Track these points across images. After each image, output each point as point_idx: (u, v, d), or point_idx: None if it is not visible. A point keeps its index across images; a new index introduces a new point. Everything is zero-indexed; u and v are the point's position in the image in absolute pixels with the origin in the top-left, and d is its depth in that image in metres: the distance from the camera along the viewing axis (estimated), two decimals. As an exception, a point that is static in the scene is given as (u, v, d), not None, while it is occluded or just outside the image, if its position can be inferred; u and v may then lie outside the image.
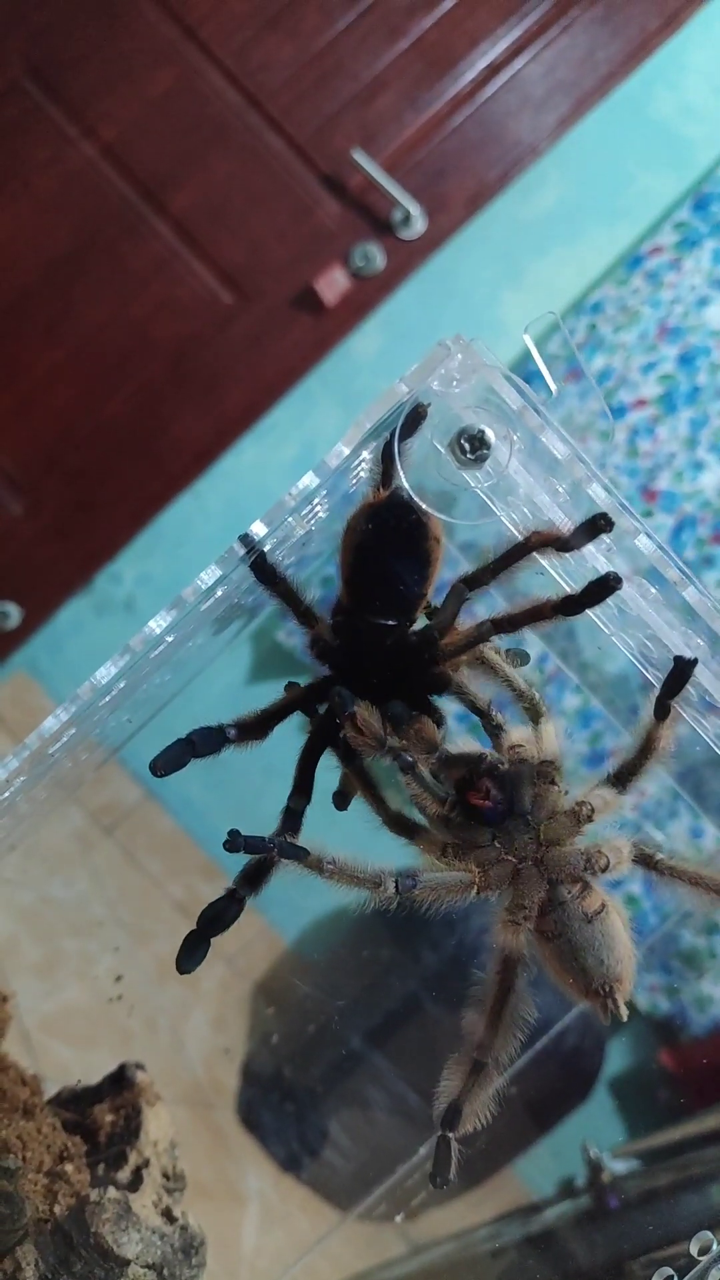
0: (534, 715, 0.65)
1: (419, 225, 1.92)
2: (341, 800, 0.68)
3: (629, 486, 1.93)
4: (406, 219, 1.91)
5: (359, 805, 0.69)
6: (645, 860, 0.64)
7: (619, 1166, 1.37)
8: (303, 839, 0.64)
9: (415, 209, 1.89)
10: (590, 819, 0.64)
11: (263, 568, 0.58)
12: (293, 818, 0.62)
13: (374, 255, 1.93)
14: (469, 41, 1.88)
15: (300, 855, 0.59)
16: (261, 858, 0.60)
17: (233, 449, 1.97)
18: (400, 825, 0.65)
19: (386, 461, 0.55)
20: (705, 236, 1.94)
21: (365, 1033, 1.51)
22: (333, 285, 1.92)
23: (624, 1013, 0.64)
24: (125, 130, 1.89)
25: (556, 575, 0.61)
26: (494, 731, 0.67)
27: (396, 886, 0.60)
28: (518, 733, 0.65)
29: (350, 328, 1.95)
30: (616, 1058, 1.68)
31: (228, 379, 1.96)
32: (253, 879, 0.60)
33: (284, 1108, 1.46)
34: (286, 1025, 1.58)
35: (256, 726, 0.60)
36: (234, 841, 0.58)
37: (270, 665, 1.87)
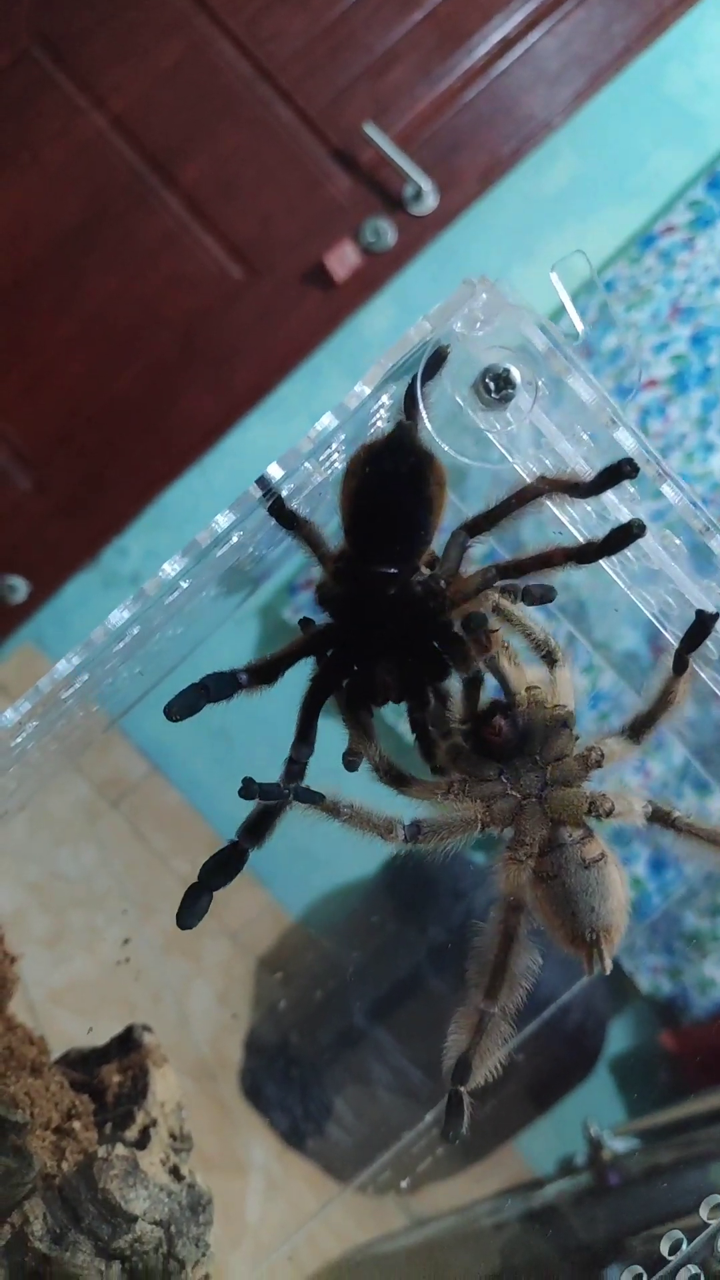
0: (550, 661, 0.65)
1: (430, 201, 1.91)
2: (351, 762, 0.68)
3: (634, 488, 1.92)
4: (418, 194, 1.89)
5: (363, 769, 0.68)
6: (662, 818, 0.64)
7: (619, 1145, 1.37)
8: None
9: (427, 184, 1.88)
10: (599, 764, 0.64)
11: (282, 511, 0.57)
12: (295, 768, 0.61)
13: (385, 231, 1.91)
14: (483, 14, 1.86)
15: (316, 799, 0.59)
16: (264, 809, 0.59)
17: (240, 425, 1.96)
18: (392, 775, 0.65)
19: (409, 403, 0.53)
20: (719, 215, 1.92)
21: (369, 1007, 1.51)
22: (343, 260, 1.90)
23: (608, 965, 0.64)
24: (135, 101, 1.87)
25: (577, 533, 0.60)
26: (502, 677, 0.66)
27: (406, 833, 0.60)
28: (534, 673, 0.65)
29: (360, 303, 1.94)
30: (618, 1038, 1.68)
31: (237, 355, 1.95)
32: (255, 830, 0.60)
33: (288, 1076, 1.46)
34: (292, 994, 1.59)
35: (267, 670, 0.59)
36: (249, 788, 0.58)
37: (276, 641, 1.86)
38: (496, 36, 1.87)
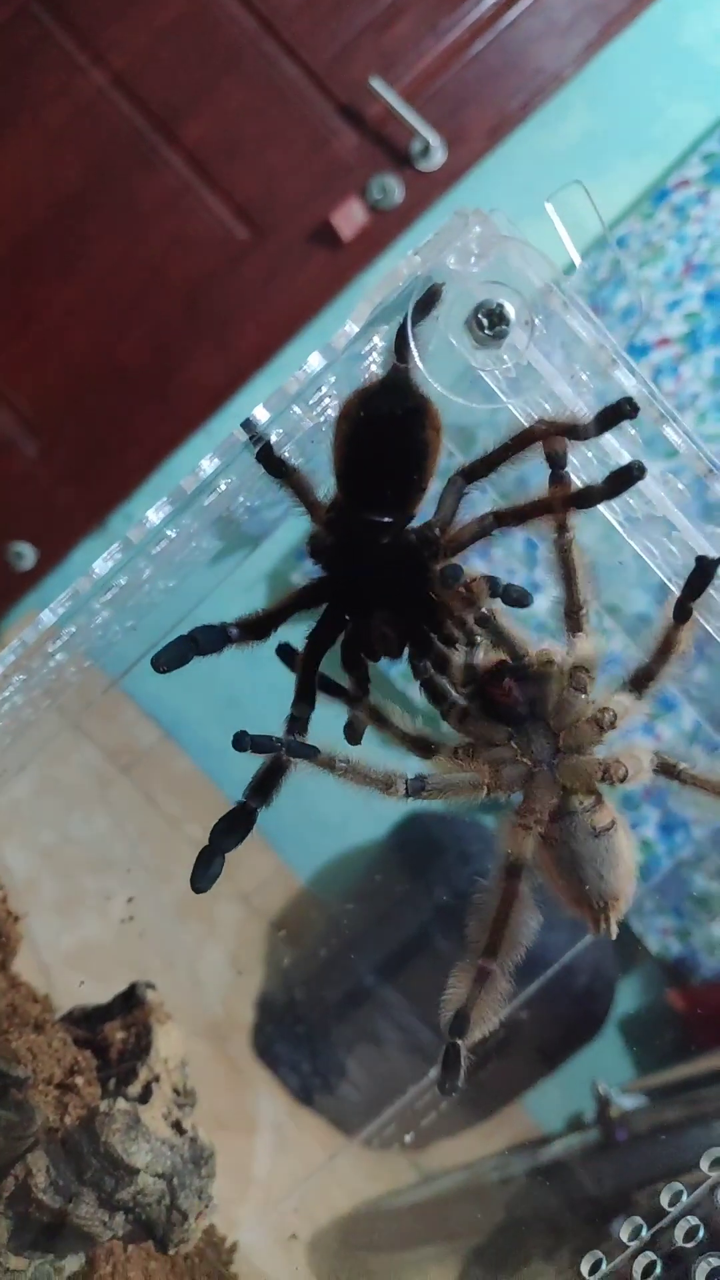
0: (575, 627, 0.63)
1: (439, 157, 1.87)
2: (352, 733, 0.66)
3: (635, 431, 1.89)
4: (426, 150, 1.86)
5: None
6: (668, 770, 0.63)
7: (627, 1102, 1.38)
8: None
9: (435, 140, 1.84)
10: (613, 725, 0.62)
11: (270, 458, 0.56)
12: (297, 725, 0.60)
13: (392, 188, 1.88)
14: (492, -39, 1.81)
15: (310, 753, 0.58)
16: (270, 766, 0.58)
17: (247, 388, 1.94)
18: (374, 717, 0.64)
19: (400, 343, 0.52)
20: (734, 168, 1.87)
21: (377, 966, 1.52)
22: (350, 219, 1.87)
23: (614, 931, 0.63)
24: (135, 58, 1.84)
25: (578, 480, 0.58)
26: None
27: (407, 788, 0.59)
28: (552, 643, 0.64)
29: (367, 263, 1.91)
30: (626, 997, 1.69)
31: (242, 317, 1.93)
32: (262, 789, 0.59)
33: (298, 1035, 1.47)
34: (301, 954, 1.60)
35: (257, 626, 0.58)
36: (241, 740, 0.57)
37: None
38: (505, -15, 1.82)
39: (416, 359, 0.50)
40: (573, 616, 0.62)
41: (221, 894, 1.80)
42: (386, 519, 0.56)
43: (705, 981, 1.66)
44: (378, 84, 1.79)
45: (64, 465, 1.96)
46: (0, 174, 1.87)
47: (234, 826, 0.59)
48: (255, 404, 2.08)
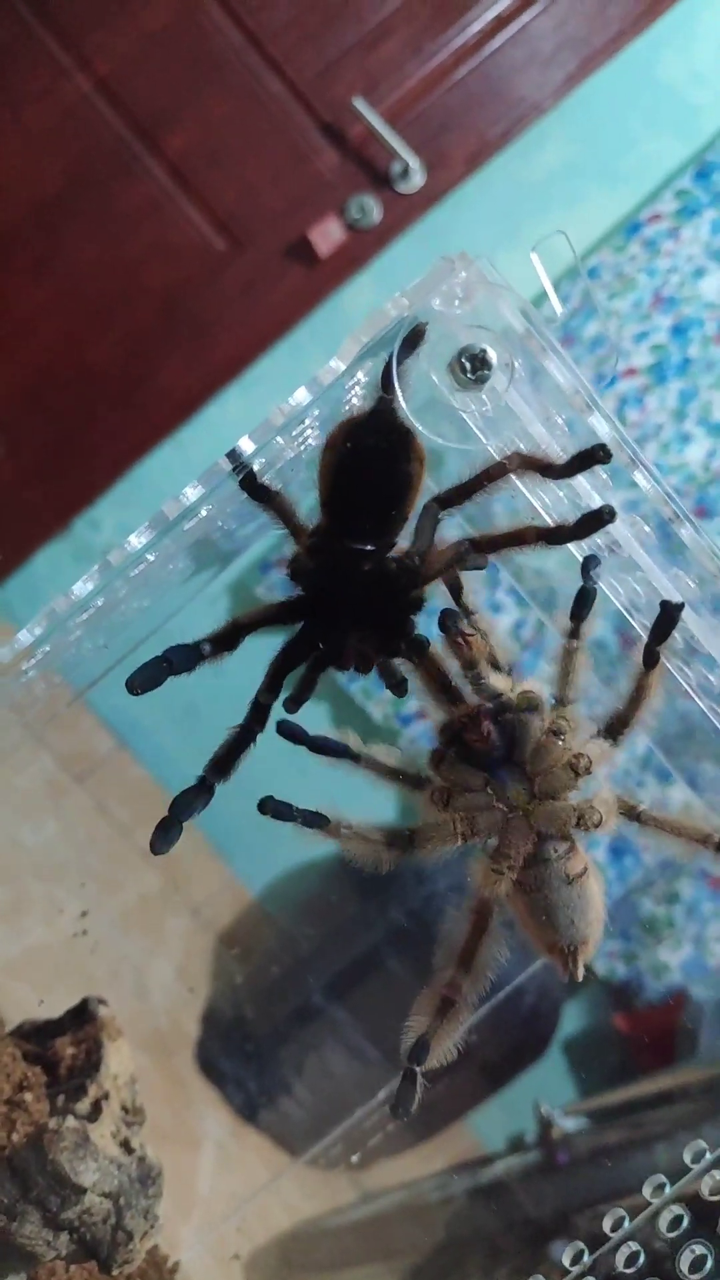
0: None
1: (417, 179, 1.89)
2: (294, 704, 0.67)
3: (606, 475, 1.92)
4: (405, 172, 1.88)
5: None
6: (628, 812, 0.64)
7: (569, 1124, 1.39)
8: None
9: (414, 162, 1.86)
10: (588, 771, 0.63)
11: (254, 484, 0.56)
12: (260, 711, 0.61)
13: (370, 208, 1.89)
14: (478, -10, 1.84)
15: (321, 823, 0.62)
16: (231, 744, 0.60)
17: (218, 398, 1.94)
18: (367, 764, 0.65)
19: (386, 382, 0.53)
20: (705, 206, 1.92)
21: (327, 984, 1.52)
22: (327, 236, 1.88)
23: (581, 974, 0.65)
24: (121, 64, 1.84)
25: (549, 518, 0.60)
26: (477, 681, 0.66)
27: (401, 844, 0.61)
28: (534, 682, 0.65)
29: (342, 280, 1.92)
30: (571, 1019, 1.70)
31: (217, 327, 1.93)
32: (222, 766, 0.60)
33: (244, 1051, 1.47)
34: (250, 970, 1.59)
35: (228, 637, 0.59)
36: (264, 805, 0.61)
37: (248, 619, 1.85)
38: (490, 14, 1.85)
39: (400, 396, 0.50)
40: (560, 704, 0.64)
41: (169, 906, 1.79)
42: (368, 546, 0.57)
43: (650, 1005, 1.69)
44: (361, 104, 1.81)
45: (29, 467, 1.95)
46: (-24, 171, 1.86)
47: (193, 801, 0.60)
48: (225, 414, 2.07)
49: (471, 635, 0.59)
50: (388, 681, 0.62)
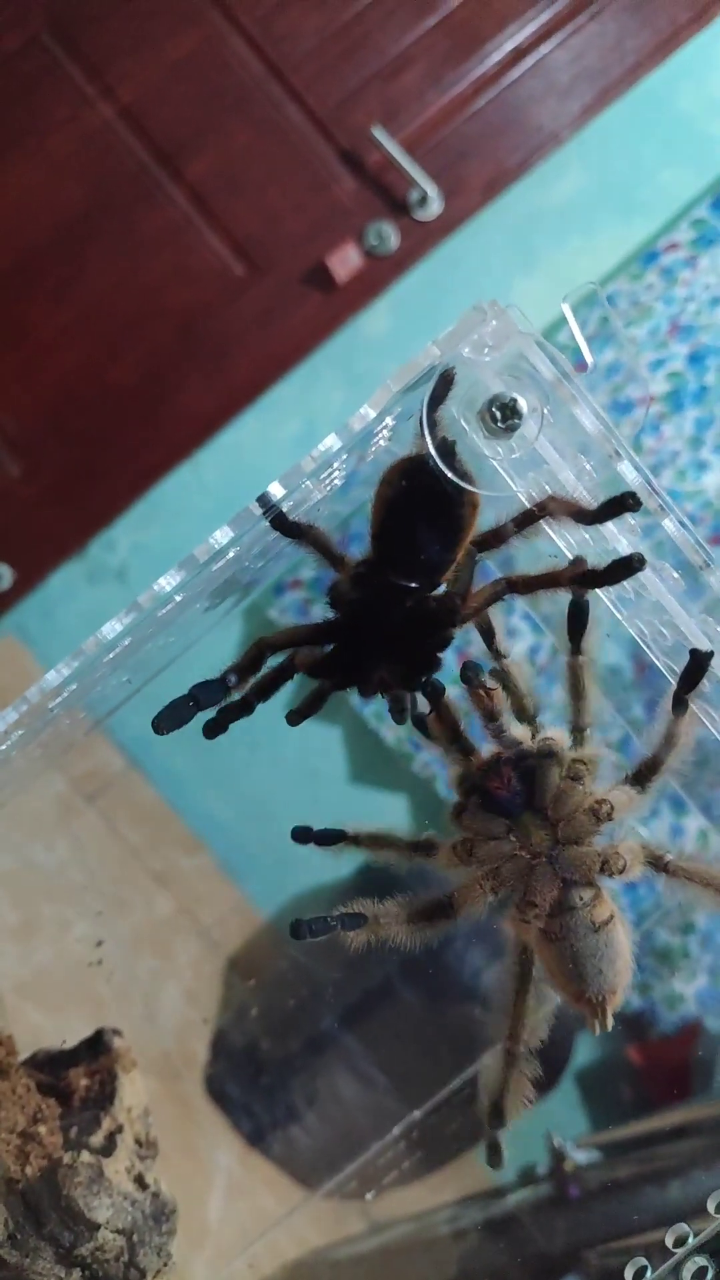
0: (578, 738, 0.65)
1: (435, 207, 1.90)
2: (297, 718, 0.66)
3: (635, 521, 1.93)
4: (423, 200, 1.89)
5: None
6: (655, 861, 0.63)
7: (581, 1157, 1.38)
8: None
9: (432, 190, 1.88)
10: (610, 818, 0.63)
11: (285, 523, 0.56)
12: (227, 681, 0.59)
13: (388, 235, 1.91)
14: (497, 22, 1.86)
15: (360, 923, 0.62)
16: (278, 674, 0.60)
17: (235, 422, 1.95)
18: (373, 842, 0.66)
19: (424, 428, 0.53)
20: (722, 235, 1.93)
21: (339, 1014, 1.51)
22: (345, 262, 1.90)
23: (610, 1024, 0.64)
24: (144, 93, 1.86)
25: (570, 557, 0.60)
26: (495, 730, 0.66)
27: (439, 922, 0.61)
28: (554, 730, 0.65)
29: (360, 306, 1.94)
30: (585, 1051, 1.69)
31: (235, 351, 1.95)
32: (266, 690, 0.59)
33: (257, 1082, 1.46)
34: (261, 997, 1.58)
35: (252, 664, 0.59)
36: (297, 930, 0.62)
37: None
38: (509, 46, 1.87)
39: (431, 446, 0.51)
40: (577, 731, 0.64)
41: (179, 928, 1.79)
42: (413, 584, 0.57)
43: (664, 1036, 1.67)
44: (380, 133, 1.83)
45: (47, 487, 1.96)
46: (2, 196, 1.88)
47: (215, 696, 0.58)
48: (242, 437, 2.07)
49: (494, 688, 0.59)
50: (392, 706, 0.61)
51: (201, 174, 1.88)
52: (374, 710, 1.96)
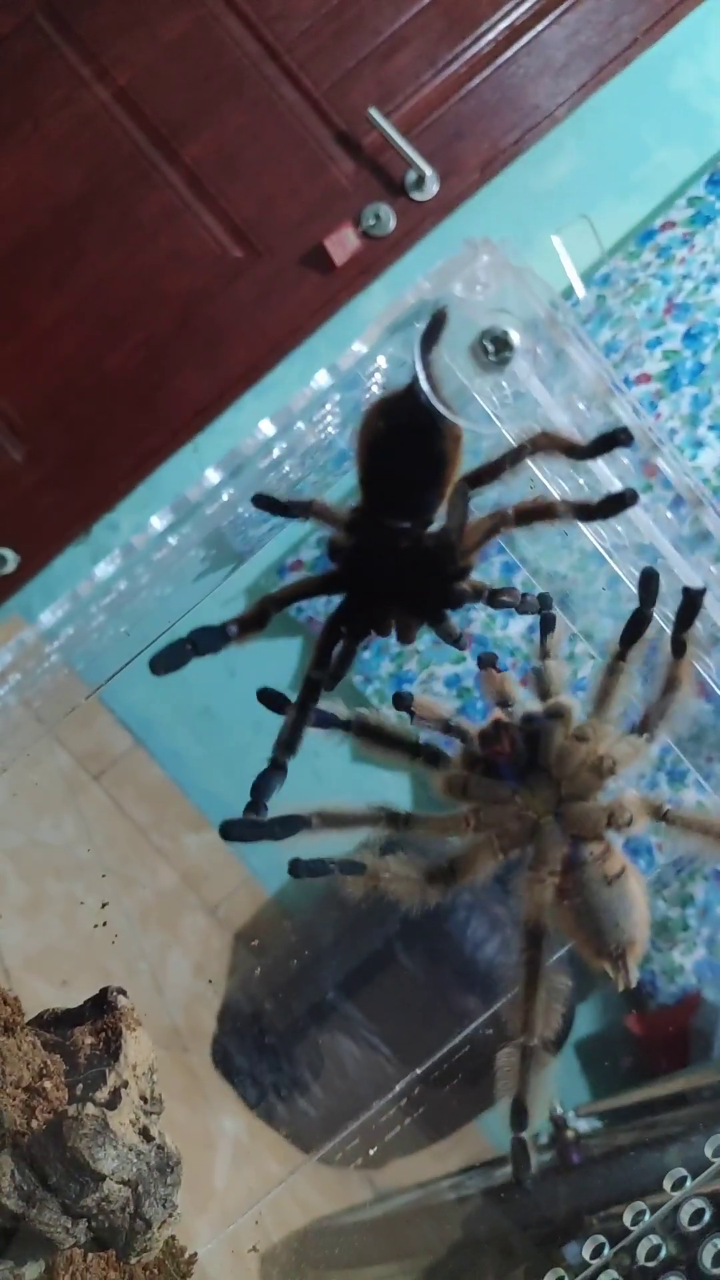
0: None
1: (432, 188, 1.91)
2: (332, 681, 0.64)
3: (629, 460, 1.93)
4: (420, 181, 1.89)
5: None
6: (654, 811, 0.64)
7: (582, 1125, 1.39)
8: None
9: (429, 171, 1.88)
10: (613, 772, 0.63)
11: (286, 505, 0.57)
12: (312, 687, 0.60)
13: (385, 216, 1.91)
14: (493, 1, 1.86)
15: (358, 870, 0.63)
16: (294, 722, 0.59)
17: (235, 405, 1.96)
18: (372, 732, 0.66)
19: (422, 366, 0.53)
20: (719, 213, 1.93)
21: (341, 982, 1.52)
22: (343, 244, 1.90)
23: (635, 977, 0.64)
24: (139, 75, 1.86)
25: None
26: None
27: (442, 877, 0.61)
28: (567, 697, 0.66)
29: (358, 288, 1.94)
30: (585, 1021, 1.70)
31: (233, 334, 1.95)
32: (290, 745, 0.59)
33: (259, 1048, 1.47)
34: (266, 967, 1.59)
35: (257, 618, 0.59)
36: (294, 868, 0.61)
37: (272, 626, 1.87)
38: (504, 24, 1.87)
39: (425, 385, 0.51)
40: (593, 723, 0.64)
41: (187, 904, 1.80)
42: (406, 524, 0.58)
43: (663, 1007, 1.68)
44: (376, 114, 1.83)
45: (49, 471, 1.97)
46: (-2, 180, 1.88)
47: (270, 780, 0.58)
48: (242, 420, 2.07)
49: (505, 674, 0.60)
50: (447, 638, 0.61)
51: (198, 156, 1.88)
52: (375, 689, 1.97)
